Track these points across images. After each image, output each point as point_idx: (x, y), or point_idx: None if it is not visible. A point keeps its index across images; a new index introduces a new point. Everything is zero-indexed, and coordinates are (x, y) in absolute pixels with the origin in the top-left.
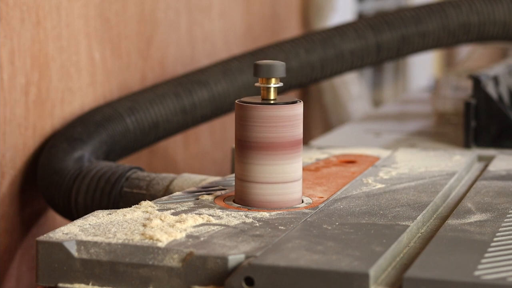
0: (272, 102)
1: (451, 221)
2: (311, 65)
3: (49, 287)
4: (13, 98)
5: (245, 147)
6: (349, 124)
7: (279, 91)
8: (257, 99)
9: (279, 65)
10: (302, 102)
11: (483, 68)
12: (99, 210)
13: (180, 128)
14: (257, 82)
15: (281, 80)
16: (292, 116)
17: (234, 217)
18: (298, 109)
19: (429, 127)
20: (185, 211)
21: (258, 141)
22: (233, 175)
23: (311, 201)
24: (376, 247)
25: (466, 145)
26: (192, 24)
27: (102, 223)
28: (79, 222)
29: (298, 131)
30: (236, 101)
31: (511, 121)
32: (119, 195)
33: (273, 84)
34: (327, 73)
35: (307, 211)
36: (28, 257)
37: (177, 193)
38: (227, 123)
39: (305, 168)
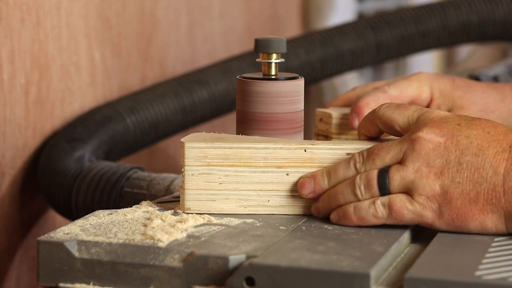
0: (273, 77)
1: None
2: (311, 65)
3: (50, 287)
4: (13, 98)
5: (246, 122)
6: None
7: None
8: (258, 74)
9: (280, 40)
10: (303, 78)
11: (483, 68)
12: (100, 210)
13: (180, 128)
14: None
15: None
16: (293, 92)
17: (235, 217)
18: (299, 85)
19: None
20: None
21: (259, 117)
22: None
23: None
24: (377, 247)
25: None
26: (192, 24)
27: (103, 223)
28: (80, 222)
29: (299, 107)
30: (237, 77)
31: None
32: (120, 195)
33: (274, 59)
34: (327, 73)
35: None
36: (28, 257)
37: (178, 193)
38: (227, 123)
39: None
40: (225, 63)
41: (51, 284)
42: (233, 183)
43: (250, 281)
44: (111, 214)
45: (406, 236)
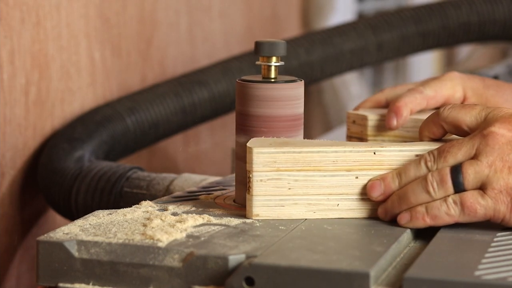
0: (272, 80)
1: None
2: (311, 65)
3: (50, 287)
4: (13, 98)
5: (245, 124)
6: None
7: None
8: (258, 77)
9: (280, 44)
10: (303, 81)
11: (483, 68)
12: (100, 210)
13: (180, 128)
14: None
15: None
16: (292, 95)
17: (235, 217)
18: (299, 88)
19: None
20: (186, 211)
21: (258, 120)
22: (233, 175)
23: None
24: (377, 247)
25: None
26: (192, 24)
27: (103, 223)
28: (79, 222)
29: (298, 110)
30: (237, 80)
31: None
32: (120, 195)
33: (274, 62)
34: (327, 73)
35: None
36: (28, 257)
37: (178, 193)
38: (227, 123)
39: None
40: (225, 63)
41: (50, 284)
42: (303, 187)
43: (249, 281)
44: (110, 214)
45: (405, 236)
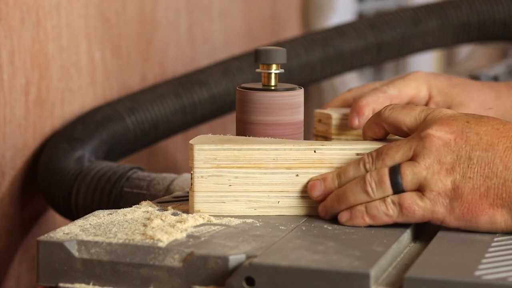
0: (272, 88)
1: None
2: (311, 65)
3: (50, 287)
4: (13, 98)
5: (245, 132)
6: None
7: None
8: (258, 85)
9: (280, 51)
10: (303, 88)
11: (483, 68)
12: (100, 210)
13: (180, 128)
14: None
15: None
16: (292, 103)
17: (235, 217)
18: (299, 95)
19: None
20: (186, 211)
21: (258, 127)
22: None
23: None
24: (377, 247)
25: None
26: (192, 24)
27: (103, 223)
28: (79, 222)
29: (298, 117)
30: (237, 87)
31: None
32: (120, 195)
33: (274, 70)
34: (327, 73)
35: None
36: (28, 257)
37: (178, 193)
38: (227, 123)
39: None
40: (225, 63)
41: (51, 284)
42: (243, 184)
43: (250, 281)
44: (111, 214)
45: (406, 236)
